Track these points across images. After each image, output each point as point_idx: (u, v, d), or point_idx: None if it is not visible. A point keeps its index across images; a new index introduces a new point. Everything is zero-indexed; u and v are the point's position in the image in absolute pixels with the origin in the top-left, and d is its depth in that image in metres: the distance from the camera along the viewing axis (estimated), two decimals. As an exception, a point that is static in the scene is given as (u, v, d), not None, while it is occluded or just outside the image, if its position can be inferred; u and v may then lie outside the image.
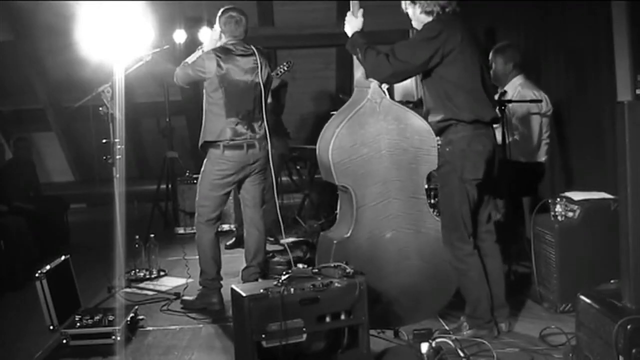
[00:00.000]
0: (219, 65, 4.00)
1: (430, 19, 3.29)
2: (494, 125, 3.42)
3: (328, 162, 3.44)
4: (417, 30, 3.41)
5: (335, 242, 3.44)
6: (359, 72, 3.54)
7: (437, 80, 3.26)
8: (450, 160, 3.27)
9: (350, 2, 3.45)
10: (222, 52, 4.06)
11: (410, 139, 3.50)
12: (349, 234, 3.46)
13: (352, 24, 3.44)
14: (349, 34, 3.45)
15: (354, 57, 3.51)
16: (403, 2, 3.40)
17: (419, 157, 3.50)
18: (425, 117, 3.46)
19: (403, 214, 3.52)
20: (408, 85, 3.74)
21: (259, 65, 4.12)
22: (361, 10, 3.45)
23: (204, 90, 4.11)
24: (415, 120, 3.50)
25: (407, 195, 3.53)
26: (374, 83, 3.49)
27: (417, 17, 3.35)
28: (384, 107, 3.51)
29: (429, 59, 3.18)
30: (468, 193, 3.26)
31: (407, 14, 3.43)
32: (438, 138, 3.43)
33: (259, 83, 4.12)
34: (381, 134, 3.48)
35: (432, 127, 3.41)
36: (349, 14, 3.46)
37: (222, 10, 4.17)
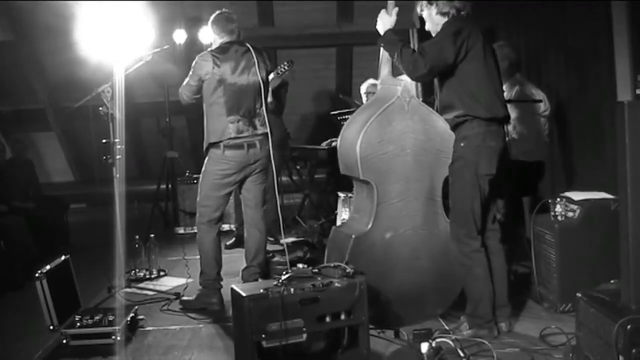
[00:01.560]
0: (215, 64, 4.00)
1: (444, 20, 3.35)
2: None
3: (355, 155, 3.45)
4: (417, 30, 3.44)
5: (353, 236, 3.44)
6: (385, 69, 3.57)
7: (458, 76, 3.30)
8: (464, 155, 3.30)
9: (388, 1, 3.47)
10: (218, 52, 4.07)
11: (434, 141, 3.53)
12: (368, 229, 3.47)
13: (385, 21, 3.47)
14: (381, 31, 3.49)
15: (381, 55, 3.55)
16: (419, 3, 3.45)
17: (440, 159, 3.52)
18: (440, 114, 3.50)
19: (419, 214, 3.54)
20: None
21: (256, 62, 4.12)
22: (396, 9, 3.48)
23: (203, 94, 4.09)
24: (440, 123, 3.51)
25: (425, 195, 3.55)
26: (404, 81, 3.51)
27: (433, 18, 3.40)
28: (413, 106, 3.54)
29: (457, 54, 3.23)
30: (481, 188, 3.28)
31: (420, 16, 3.48)
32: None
33: (258, 80, 4.12)
34: (407, 133, 3.51)
35: (448, 123, 3.44)
36: (383, 11, 3.49)
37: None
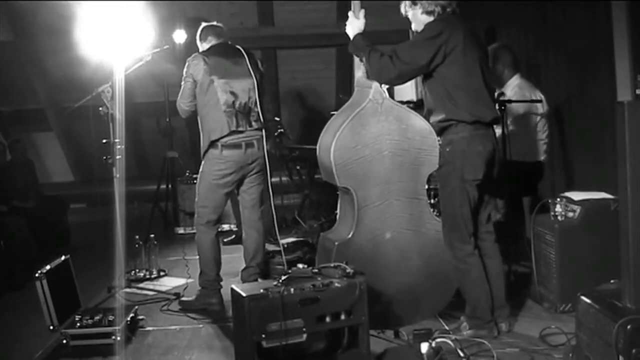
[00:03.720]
0: (206, 63, 4.02)
1: (431, 19, 3.30)
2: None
3: (329, 163, 3.43)
4: (416, 31, 3.41)
5: (336, 243, 3.43)
6: (359, 72, 3.53)
7: (439, 80, 3.26)
8: (451, 160, 3.27)
9: (352, 2, 3.43)
10: (208, 53, 4.11)
11: (412, 140, 3.49)
12: (350, 235, 3.45)
13: (354, 25, 3.43)
14: (351, 35, 3.44)
15: (355, 57, 3.51)
16: (402, 4, 3.40)
17: (421, 157, 3.50)
18: (427, 118, 3.46)
19: (404, 214, 3.52)
20: (407, 85, 3.75)
21: (247, 60, 4.14)
22: (363, 11, 3.44)
23: (197, 97, 4.07)
24: (417, 121, 3.49)
25: (408, 196, 3.53)
26: (375, 83, 3.47)
27: (418, 18, 3.35)
28: (386, 107, 3.50)
29: (432, 58, 3.18)
30: (468, 193, 3.25)
31: (406, 17, 3.43)
32: (439, 138, 3.42)
33: (250, 78, 4.12)
34: (383, 135, 3.47)
35: (434, 127, 3.41)
36: (350, 14, 3.45)
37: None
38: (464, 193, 3.25)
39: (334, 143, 3.40)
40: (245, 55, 4.16)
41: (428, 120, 3.45)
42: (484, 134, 3.27)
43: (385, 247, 3.49)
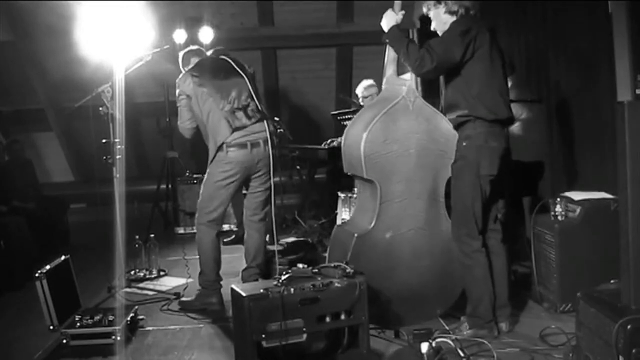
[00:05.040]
0: (193, 76, 4.08)
1: (453, 19, 3.34)
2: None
3: (359, 154, 3.46)
4: (435, 29, 3.42)
5: (355, 235, 3.45)
6: (390, 69, 3.57)
7: (462, 76, 3.30)
8: (466, 155, 3.30)
9: (394, 2, 3.47)
10: (194, 69, 4.16)
11: (437, 141, 3.53)
12: (370, 228, 3.47)
13: (390, 19, 3.46)
14: (386, 28, 3.46)
15: (386, 54, 3.54)
16: (426, 3, 3.43)
17: (443, 160, 3.52)
18: (443, 113, 3.50)
19: (422, 213, 3.55)
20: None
21: (232, 63, 4.17)
22: (403, 12, 3.47)
23: (194, 112, 4.12)
24: (444, 124, 3.52)
25: (428, 196, 3.56)
26: (409, 81, 3.52)
27: (441, 17, 3.39)
28: (417, 106, 3.54)
29: (463, 53, 3.23)
30: (482, 189, 3.28)
31: (421, 16, 3.47)
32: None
33: (240, 76, 4.14)
34: (412, 133, 3.51)
35: (451, 122, 3.44)
36: (389, 10, 3.48)
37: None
38: (478, 188, 3.28)
39: (365, 135, 3.44)
40: (230, 60, 4.21)
41: (444, 115, 3.49)
42: (499, 131, 3.32)
43: (400, 243, 3.52)
